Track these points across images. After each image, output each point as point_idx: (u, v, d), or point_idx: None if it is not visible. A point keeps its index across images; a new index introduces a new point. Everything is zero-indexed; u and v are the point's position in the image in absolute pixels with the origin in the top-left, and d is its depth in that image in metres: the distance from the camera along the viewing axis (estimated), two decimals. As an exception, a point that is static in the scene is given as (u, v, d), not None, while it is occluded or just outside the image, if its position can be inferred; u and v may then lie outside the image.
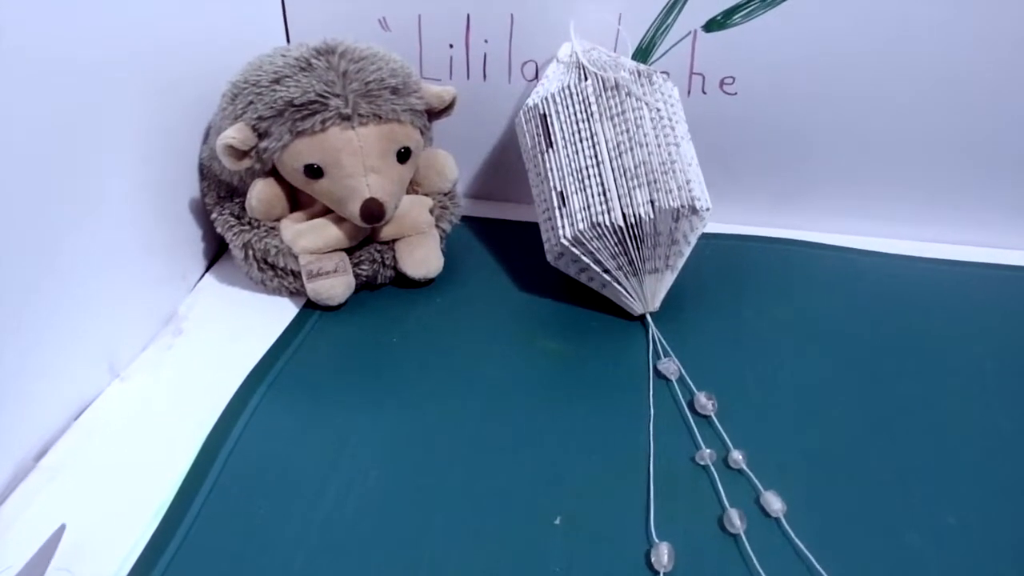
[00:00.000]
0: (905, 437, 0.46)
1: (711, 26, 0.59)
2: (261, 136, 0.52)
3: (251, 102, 0.51)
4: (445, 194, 0.61)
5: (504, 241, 0.65)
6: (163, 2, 0.52)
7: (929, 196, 0.63)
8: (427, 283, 0.59)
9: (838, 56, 0.59)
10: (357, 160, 0.52)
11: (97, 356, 0.49)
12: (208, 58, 0.57)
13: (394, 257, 0.57)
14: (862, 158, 0.63)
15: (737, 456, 0.44)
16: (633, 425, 0.47)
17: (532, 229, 0.60)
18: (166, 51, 0.53)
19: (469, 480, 0.43)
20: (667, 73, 0.60)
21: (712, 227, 0.63)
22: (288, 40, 0.65)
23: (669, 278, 0.55)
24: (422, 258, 0.57)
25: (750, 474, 0.43)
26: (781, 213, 0.66)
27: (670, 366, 0.51)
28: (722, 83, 0.61)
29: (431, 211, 0.59)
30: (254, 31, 0.62)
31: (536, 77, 0.64)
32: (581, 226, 0.52)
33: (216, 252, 0.62)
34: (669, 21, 0.59)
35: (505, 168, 0.69)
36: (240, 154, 0.52)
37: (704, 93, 0.62)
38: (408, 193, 0.58)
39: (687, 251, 0.55)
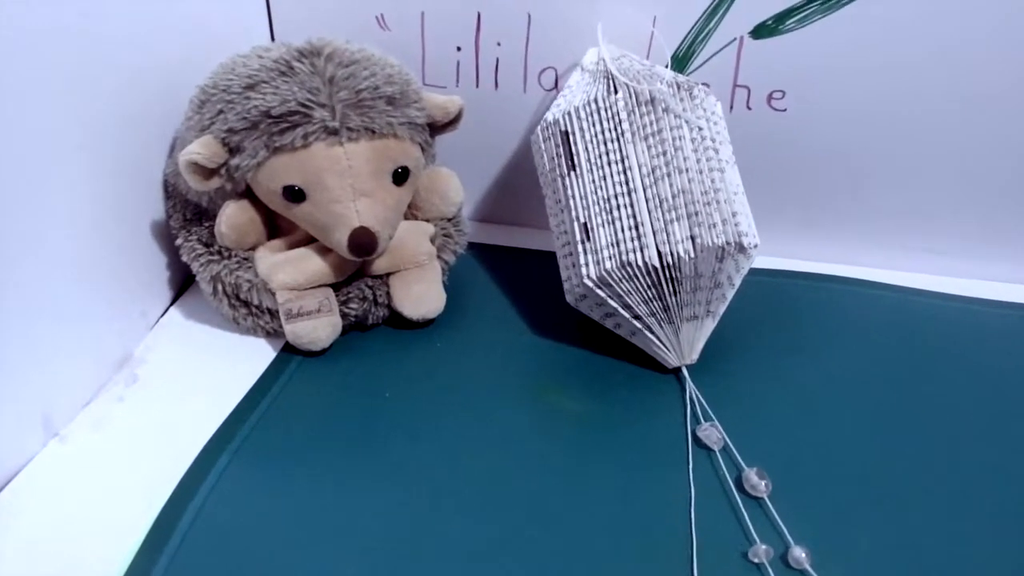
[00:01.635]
0: (1000, 523, 0.39)
1: (760, 32, 0.52)
2: (232, 152, 0.45)
3: (221, 111, 0.45)
4: (449, 220, 0.55)
5: (516, 274, 0.58)
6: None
7: (1002, 232, 0.58)
8: (426, 324, 0.52)
9: (904, 70, 0.52)
10: (345, 182, 0.45)
11: (29, 410, 0.42)
12: (176, 55, 0.50)
13: (388, 294, 0.51)
14: (927, 186, 0.57)
15: (799, 554, 0.37)
16: (671, 509, 0.40)
17: (549, 260, 0.54)
18: (124, 44, 0.46)
19: (472, 581, 0.36)
20: (707, 85, 0.53)
21: (757, 261, 0.56)
22: (272, 37, 0.59)
23: (709, 325, 0.48)
24: (420, 295, 0.50)
25: (816, 579, 0.36)
26: (835, 247, 0.60)
27: (712, 433, 0.44)
28: (770, 97, 0.55)
29: (432, 240, 0.52)
30: (232, 26, 0.56)
31: (556, 87, 0.58)
32: (608, 265, 0.45)
33: (183, 282, 0.55)
34: (712, 25, 0.52)
35: (518, 189, 0.63)
36: (207, 172, 0.45)
37: (749, 108, 0.55)
38: (405, 219, 0.52)
39: (731, 294, 0.48)
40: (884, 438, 0.44)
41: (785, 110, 0.55)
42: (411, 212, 0.53)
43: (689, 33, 0.53)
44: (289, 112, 0.44)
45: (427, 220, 0.53)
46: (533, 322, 0.53)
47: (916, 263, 0.59)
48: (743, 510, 0.40)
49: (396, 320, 0.52)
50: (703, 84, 0.49)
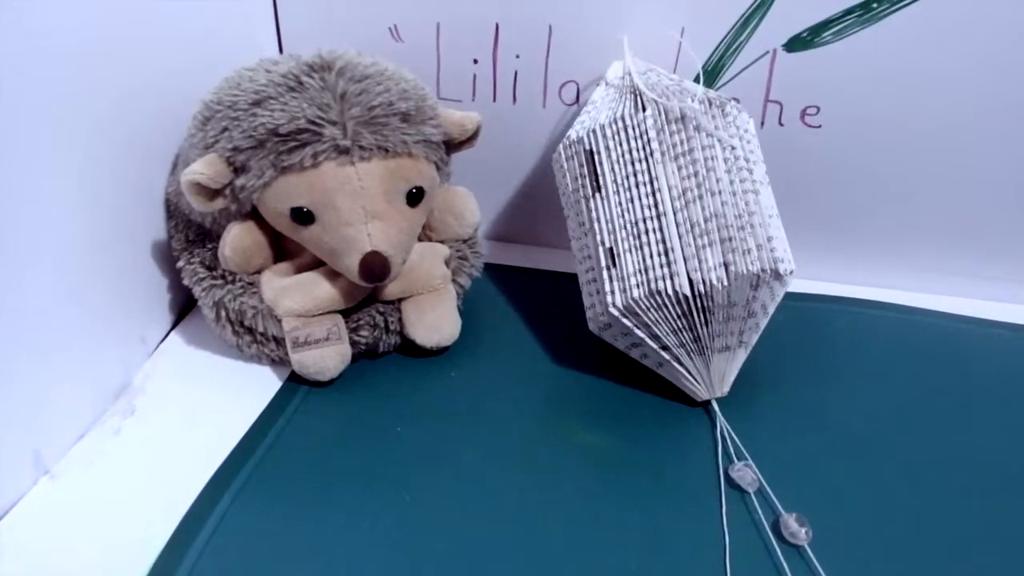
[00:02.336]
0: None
1: (794, 45, 0.49)
2: (237, 171, 0.43)
3: (225, 128, 0.42)
4: (464, 241, 0.52)
5: (535, 297, 0.56)
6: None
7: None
8: (440, 352, 0.50)
9: (947, 84, 0.50)
10: (356, 203, 0.43)
11: (18, 445, 0.39)
12: (180, 67, 0.48)
13: (400, 320, 0.48)
14: (971, 207, 0.54)
15: (845, 611, 0.34)
16: (703, 557, 0.37)
17: (570, 282, 0.51)
18: (125, 54, 0.44)
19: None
20: (737, 100, 0.50)
21: (790, 285, 0.53)
22: (280, 49, 0.57)
23: (741, 356, 0.45)
24: (434, 322, 0.48)
25: (865, 640, 0.33)
26: (872, 270, 0.58)
27: (746, 474, 0.41)
28: (804, 113, 0.52)
29: (446, 263, 0.50)
30: (238, 37, 0.53)
31: (577, 102, 0.55)
32: (636, 293, 0.42)
33: (184, 305, 0.53)
34: (743, 38, 0.50)
35: (537, 208, 0.60)
36: (211, 193, 0.43)
37: (781, 125, 0.53)
38: (419, 240, 0.49)
39: (764, 323, 0.45)
40: (934, 479, 0.42)
41: (819, 127, 0.52)
42: (425, 233, 0.50)
43: (719, 46, 0.50)
44: (298, 130, 0.41)
45: (441, 242, 0.51)
46: (553, 350, 0.50)
47: (960, 287, 0.57)
48: (782, 559, 0.37)
49: (409, 348, 0.49)
50: (734, 99, 0.46)
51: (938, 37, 0.48)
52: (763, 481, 0.41)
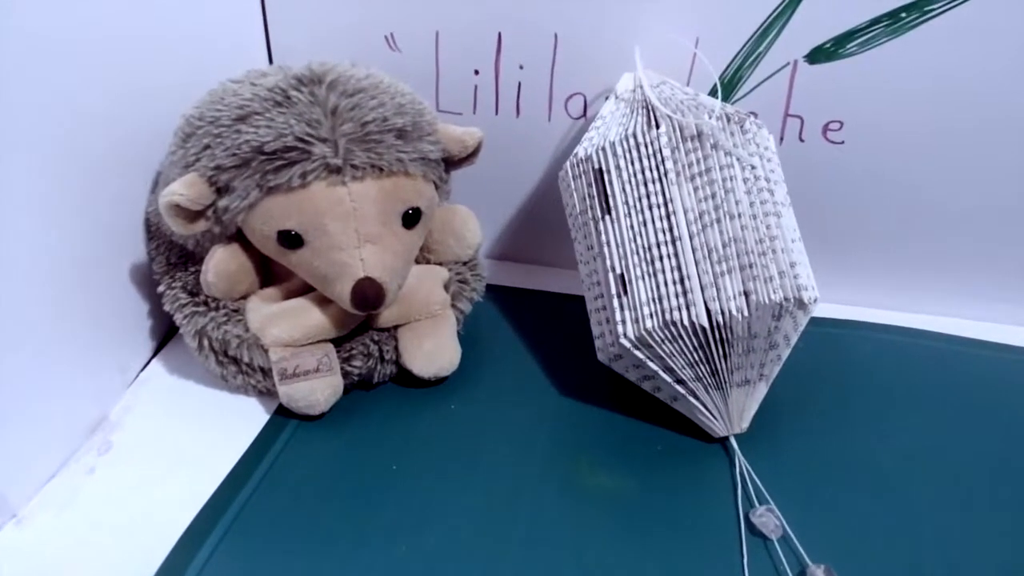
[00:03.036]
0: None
1: (817, 56, 0.47)
2: (221, 191, 0.40)
3: (208, 146, 0.40)
4: (464, 263, 0.50)
5: (540, 322, 0.53)
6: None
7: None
8: (439, 382, 0.47)
9: (976, 99, 0.47)
10: (349, 226, 0.40)
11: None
12: (163, 78, 0.46)
13: (396, 349, 0.46)
14: (1005, 228, 0.51)
15: None
16: None
17: (577, 305, 0.48)
18: (104, 65, 0.41)
19: None
20: (755, 115, 0.47)
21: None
22: (270, 60, 0.54)
23: (762, 390, 0.43)
24: (432, 350, 0.45)
25: None
26: (900, 293, 0.55)
27: (769, 520, 0.38)
28: (826, 129, 0.50)
29: (446, 286, 0.47)
30: (225, 47, 0.51)
31: (584, 115, 0.52)
32: (649, 324, 0.39)
33: (166, 332, 0.50)
34: (762, 48, 0.47)
35: (541, 226, 0.58)
36: (191, 215, 0.40)
37: (801, 141, 0.50)
38: (416, 263, 0.47)
39: (786, 354, 0.43)
40: (973, 524, 0.39)
41: (842, 143, 0.50)
42: (422, 255, 0.48)
43: (737, 56, 0.48)
44: (285, 148, 0.39)
45: (440, 264, 0.48)
46: (559, 380, 0.47)
47: (992, 313, 0.54)
48: (810, 618, 0.34)
49: (405, 378, 0.47)
50: (753, 115, 0.44)
51: (970, 49, 0.45)
52: (787, 527, 0.38)
